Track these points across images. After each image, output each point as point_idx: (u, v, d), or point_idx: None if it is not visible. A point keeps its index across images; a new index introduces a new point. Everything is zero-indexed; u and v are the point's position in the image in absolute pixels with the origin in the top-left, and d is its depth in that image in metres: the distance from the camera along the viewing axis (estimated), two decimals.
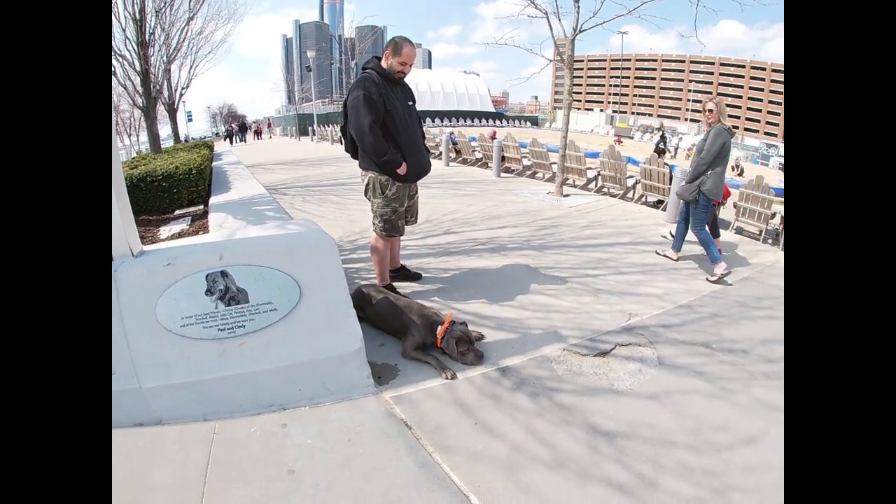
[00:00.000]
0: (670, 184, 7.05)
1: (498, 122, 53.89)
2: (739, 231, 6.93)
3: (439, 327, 2.98)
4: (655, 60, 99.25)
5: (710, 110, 4.55)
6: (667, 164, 8.15)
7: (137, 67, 13.78)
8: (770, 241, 6.70)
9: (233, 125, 40.30)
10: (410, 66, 3.58)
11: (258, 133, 43.12)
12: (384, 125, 3.45)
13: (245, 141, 35.49)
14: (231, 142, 34.42)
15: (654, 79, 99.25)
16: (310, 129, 31.45)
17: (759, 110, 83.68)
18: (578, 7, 7.53)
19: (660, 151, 8.76)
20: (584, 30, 7.68)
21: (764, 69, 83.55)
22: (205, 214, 7.04)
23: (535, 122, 64.32)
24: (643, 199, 8.78)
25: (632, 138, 42.52)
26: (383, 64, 3.54)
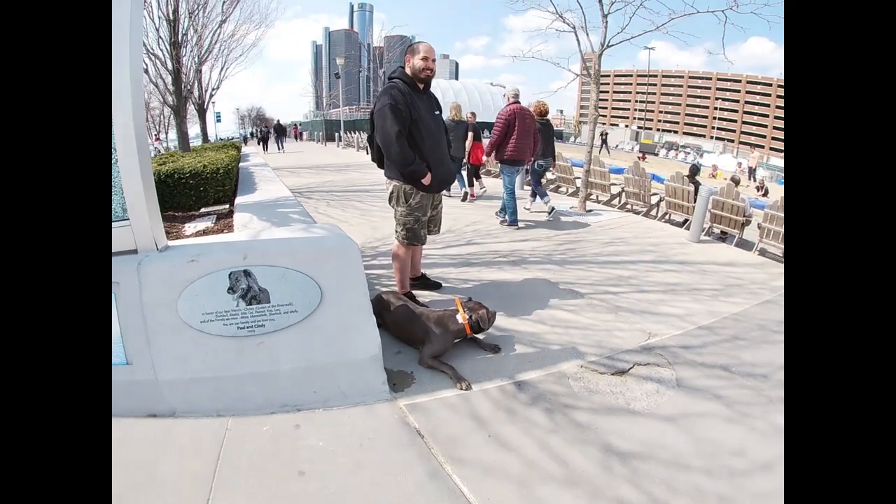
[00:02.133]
0: (695, 202, 6.97)
1: None
2: (763, 252, 6.80)
3: (458, 318, 3.11)
4: (682, 77, 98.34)
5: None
6: (693, 182, 8.05)
7: (169, 66, 14.11)
8: None
9: (265, 126, 31.79)
10: (433, 60, 3.54)
11: (298, 135, 39.15)
12: (410, 134, 3.44)
13: (283, 148, 27.65)
14: (265, 146, 27.95)
15: (680, 95, 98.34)
16: (336, 135, 31.67)
17: None
18: (606, 22, 7.52)
19: (694, 172, 8.75)
20: (612, 45, 7.66)
21: None
22: (230, 214, 7.14)
23: (559, 136, 64.15)
24: (667, 217, 8.68)
25: (656, 155, 42.14)
26: (407, 71, 3.53)
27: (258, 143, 29.60)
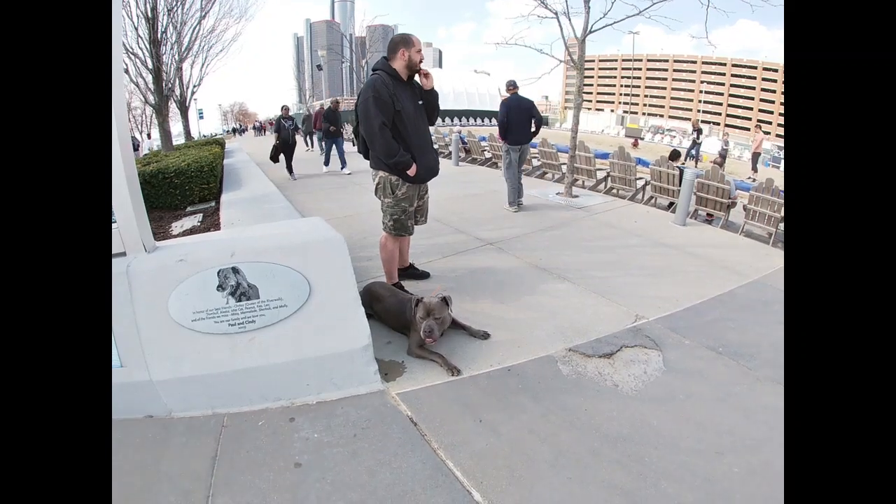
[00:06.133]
0: (680, 186, 7.03)
1: None
2: (749, 234, 6.88)
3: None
4: (667, 61, 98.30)
5: None
6: (678, 168, 8.09)
7: (150, 65, 13.98)
8: (780, 244, 6.65)
9: (286, 115, 11.89)
10: (419, 50, 3.58)
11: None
12: (394, 126, 3.47)
13: (292, 172, 10.99)
14: (289, 162, 11.25)
15: (665, 79, 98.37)
16: None
17: (771, 112, 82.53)
18: (589, 7, 7.51)
19: (673, 157, 8.76)
20: (595, 30, 7.64)
21: (776, 70, 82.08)
22: (216, 211, 7.13)
23: (545, 122, 64.04)
24: (653, 202, 8.74)
25: (642, 139, 42.14)
26: (397, 64, 3.53)
27: (274, 156, 11.57)
